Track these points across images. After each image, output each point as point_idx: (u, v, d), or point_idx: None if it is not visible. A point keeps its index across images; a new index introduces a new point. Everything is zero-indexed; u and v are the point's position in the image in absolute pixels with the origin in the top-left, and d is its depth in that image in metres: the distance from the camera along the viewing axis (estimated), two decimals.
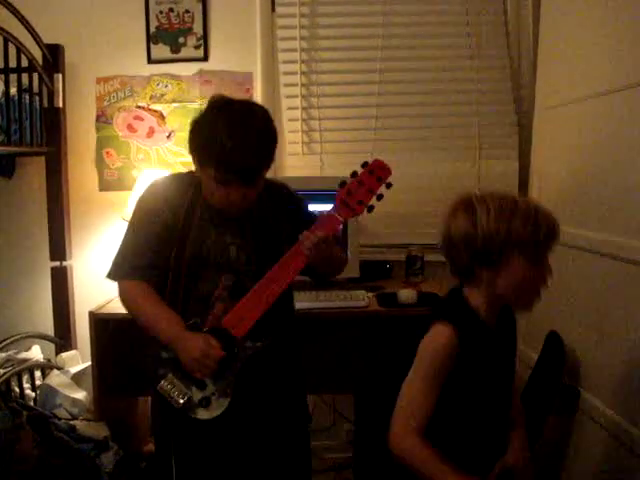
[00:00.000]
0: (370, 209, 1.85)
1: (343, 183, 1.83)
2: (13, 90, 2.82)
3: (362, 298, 2.72)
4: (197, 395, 1.87)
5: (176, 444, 1.98)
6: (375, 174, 1.82)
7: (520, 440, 1.82)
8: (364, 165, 1.83)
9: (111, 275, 1.98)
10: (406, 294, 2.70)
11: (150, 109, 3.31)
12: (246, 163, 1.80)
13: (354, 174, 1.83)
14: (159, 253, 1.92)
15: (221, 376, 1.86)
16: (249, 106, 1.90)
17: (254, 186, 1.88)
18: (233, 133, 1.78)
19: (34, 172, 3.31)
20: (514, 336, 1.83)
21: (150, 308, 1.91)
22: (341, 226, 1.87)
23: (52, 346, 3.21)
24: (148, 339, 1.94)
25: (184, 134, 3.14)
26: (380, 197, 1.84)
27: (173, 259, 1.91)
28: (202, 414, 1.87)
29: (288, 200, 2.10)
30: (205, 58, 3.30)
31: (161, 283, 1.94)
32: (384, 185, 1.83)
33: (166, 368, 1.87)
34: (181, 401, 1.85)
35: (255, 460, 2.04)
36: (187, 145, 1.92)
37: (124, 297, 1.97)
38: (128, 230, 2.00)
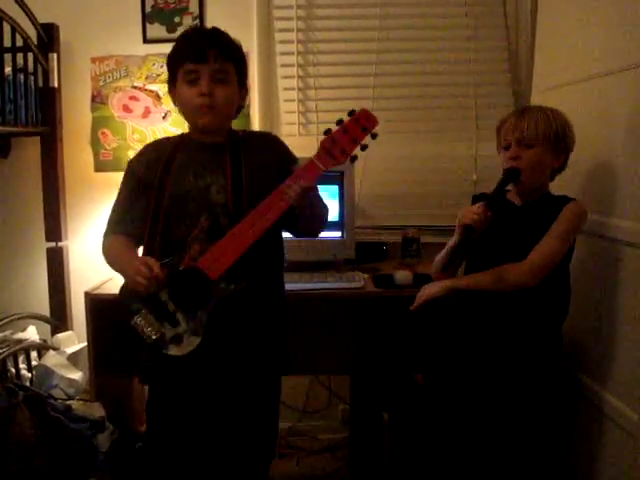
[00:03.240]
0: (353, 159, 1.82)
1: (328, 130, 1.82)
2: (8, 70, 2.80)
3: (358, 279, 2.72)
4: (170, 332, 1.90)
5: (151, 378, 2.11)
6: (360, 123, 1.80)
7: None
8: (350, 113, 1.82)
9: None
10: (402, 275, 2.70)
11: (146, 89, 3.29)
12: (205, 43, 1.94)
13: (339, 122, 1.82)
14: (136, 205, 2.02)
15: (194, 315, 1.89)
16: None
17: (221, 79, 1.95)
18: (189, 31, 2.06)
19: (29, 152, 3.30)
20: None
21: (116, 250, 2.02)
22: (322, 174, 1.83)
23: (48, 327, 3.22)
24: None
25: (180, 114, 3.14)
26: (364, 147, 1.81)
27: (153, 203, 1.97)
28: (173, 350, 1.90)
29: (279, 150, 2.13)
30: None
31: (143, 232, 2.01)
32: (369, 135, 1.81)
33: (140, 303, 1.91)
34: (153, 336, 1.90)
35: (222, 402, 2.09)
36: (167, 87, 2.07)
37: (104, 251, 2.07)
38: (118, 192, 2.11)
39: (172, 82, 2.02)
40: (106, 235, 2.08)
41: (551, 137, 2.12)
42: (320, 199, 2.03)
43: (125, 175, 2.09)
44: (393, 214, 3.30)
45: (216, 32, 2.00)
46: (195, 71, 1.92)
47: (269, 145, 2.12)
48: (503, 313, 2.15)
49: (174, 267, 1.88)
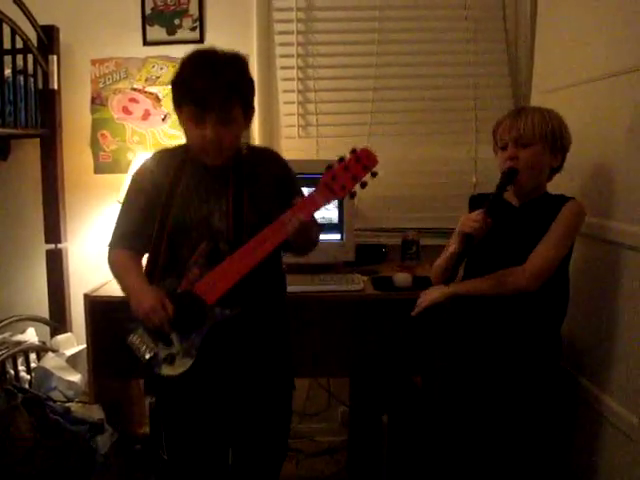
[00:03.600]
0: (352, 195, 1.85)
1: (329, 167, 1.82)
2: (7, 72, 2.80)
3: (357, 282, 2.72)
4: (163, 352, 1.92)
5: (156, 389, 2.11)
6: (361, 162, 1.81)
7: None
8: (353, 151, 1.82)
9: (108, 245, 2.08)
10: (401, 278, 2.70)
11: (145, 91, 3.30)
12: (210, 89, 1.83)
13: (341, 159, 1.82)
14: (143, 223, 2.00)
15: (188, 337, 1.91)
16: (216, 50, 1.95)
17: (229, 123, 1.88)
18: (196, 67, 1.88)
19: (29, 154, 3.30)
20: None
21: (124, 270, 2.01)
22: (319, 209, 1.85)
23: (47, 329, 3.21)
24: None
25: None
26: (364, 185, 1.83)
27: (157, 227, 1.96)
28: (166, 370, 1.92)
29: (280, 168, 2.11)
30: (201, 40, 3.28)
31: (150, 251, 2.01)
32: (369, 174, 1.82)
33: (138, 322, 1.93)
34: (147, 356, 1.92)
35: (220, 424, 2.11)
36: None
37: (110, 264, 2.05)
38: (123, 200, 2.11)
39: (175, 110, 1.95)
40: (112, 247, 2.06)
41: (548, 136, 2.12)
42: (315, 224, 1.99)
43: (133, 189, 2.06)
44: (393, 217, 3.30)
45: (227, 68, 1.88)
46: (199, 114, 1.85)
47: (271, 166, 2.09)
48: (502, 316, 2.15)
49: (172, 290, 1.91)
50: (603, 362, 2.26)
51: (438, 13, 3.28)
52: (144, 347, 1.93)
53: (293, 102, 3.30)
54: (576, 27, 2.60)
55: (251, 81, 1.97)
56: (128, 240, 2.02)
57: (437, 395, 2.31)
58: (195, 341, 1.91)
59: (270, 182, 2.04)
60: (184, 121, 1.91)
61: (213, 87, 1.83)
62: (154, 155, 2.10)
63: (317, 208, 1.82)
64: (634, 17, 2.12)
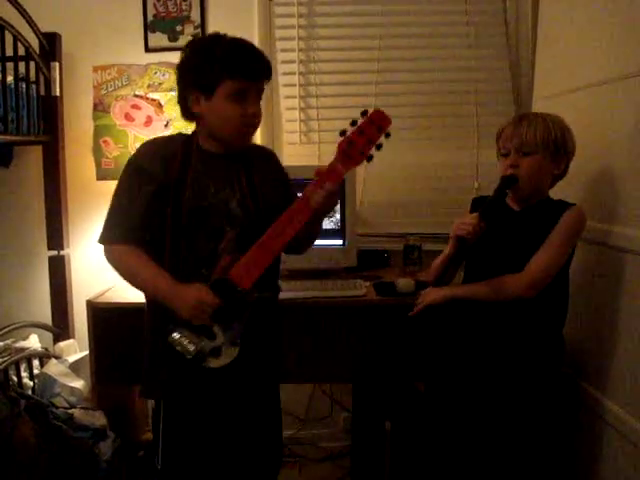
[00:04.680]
0: (369, 159, 1.84)
1: (343, 132, 1.84)
2: (10, 79, 2.81)
3: (359, 287, 2.72)
4: (208, 345, 1.88)
5: (176, 396, 2.01)
6: (375, 124, 1.82)
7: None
8: (364, 114, 1.83)
9: (102, 239, 1.96)
10: (404, 283, 2.70)
11: (148, 98, 3.30)
12: (259, 59, 1.91)
13: (354, 123, 1.83)
14: (152, 213, 1.91)
15: (230, 326, 1.89)
16: None
17: (261, 98, 1.95)
18: (236, 42, 1.89)
19: (31, 161, 3.31)
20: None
21: (144, 270, 1.91)
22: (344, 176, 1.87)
23: (50, 335, 3.22)
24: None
25: (181, 123, 3.14)
26: (379, 147, 1.83)
27: (170, 217, 1.90)
28: (213, 363, 1.89)
29: (277, 163, 2.17)
30: None
31: (157, 242, 1.92)
32: (384, 135, 1.83)
33: (175, 320, 1.88)
34: (193, 351, 1.87)
35: (242, 411, 2.10)
36: (181, 88, 1.94)
37: (117, 262, 1.95)
38: (117, 192, 1.97)
39: (206, 90, 1.88)
40: (114, 241, 1.93)
41: (550, 144, 2.12)
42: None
43: (136, 174, 1.94)
44: (395, 222, 3.30)
45: (254, 46, 1.95)
46: (244, 89, 1.87)
47: (271, 160, 2.15)
48: (503, 320, 2.15)
49: (206, 280, 1.88)
50: (606, 367, 2.25)
51: (439, 18, 3.29)
52: (187, 343, 1.88)
53: (295, 108, 3.31)
54: (577, 32, 2.60)
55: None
56: (136, 233, 1.91)
57: (439, 400, 2.31)
58: (238, 329, 1.89)
59: (272, 170, 2.11)
60: (219, 101, 1.87)
61: (259, 59, 1.90)
62: (154, 141, 2.04)
63: (340, 176, 1.83)
64: (635, 22, 2.13)
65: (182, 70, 1.93)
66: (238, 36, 1.93)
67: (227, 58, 1.85)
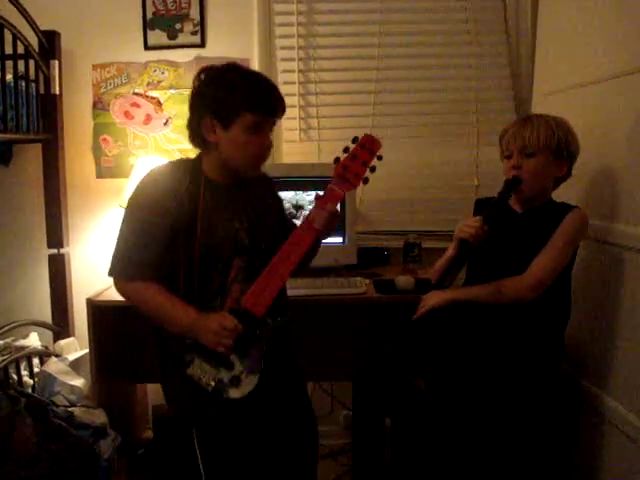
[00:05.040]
0: (365, 181, 1.92)
1: (337, 159, 1.92)
2: (9, 77, 2.80)
3: (359, 285, 2.72)
4: (226, 375, 1.89)
5: (204, 428, 1.99)
6: (367, 148, 1.91)
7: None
8: (354, 140, 1.91)
9: (117, 274, 1.93)
10: (404, 281, 2.69)
11: (147, 96, 3.30)
12: (277, 95, 1.92)
13: (346, 149, 1.91)
14: (168, 248, 1.89)
15: (246, 354, 1.89)
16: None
17: (271, 131, 1.97)
18: (254, 77, 1.92)
19: (31, 159, 3.31)
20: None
21: (167, 304, 1.89)
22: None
23: (50, 333, 3.21)
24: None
25: (181, 121, 3.15)
26: (373, 169, 1.92)
27: (182, 252, 1.89)
28: (234, 393, 1.89)
29: (273, 188, 2.21)
30: (202, 44, 3.29)
31: (170, 277, 1.91)
32: (376, 157, 1.92)
33: (192, 353, 1.88)
34: (213, 383, 1.88)
35: (280, 434, 2.11)
36: (198, 114, 1.92)
37: (137, 298, 1.94)
38: (130, 224, 1.93)
39: (223, 121, 1.88)
40: (131, 277, 1.91)
41: (553, 146, 2.11)
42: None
43: (150, 205, 1.89)
44: (394, 219, 3.30)
45: (271, 81, 1.95)
46: (261, 123, 1.89)
47: (269, 186, 2.18)
48: (504, 320, 2.15)
49: (219, 310, 1.89)
50: (606, 364, 2.25)
51: (439, 16, 3.29)
52: (206, 375, 1.88)
53: (295, 106, 3.30)
54: (577, 29, 2.60)
55: None
56: (154, 270, 1.89)
57: (440, 398, 2.31)
58: (256, 356, 1.90)
59: (270, 195, 2.16)
60: (237, 132, 1.88)
61: (278, 94, 1.92)
62: (157, 172, 1.97)
63: (339, 198, 1.91)
64: (635, 19, 2.12)
65: (198, 98, 1.92)
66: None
67: (250, 92, 1.86)
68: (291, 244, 1.88)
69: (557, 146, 2.12)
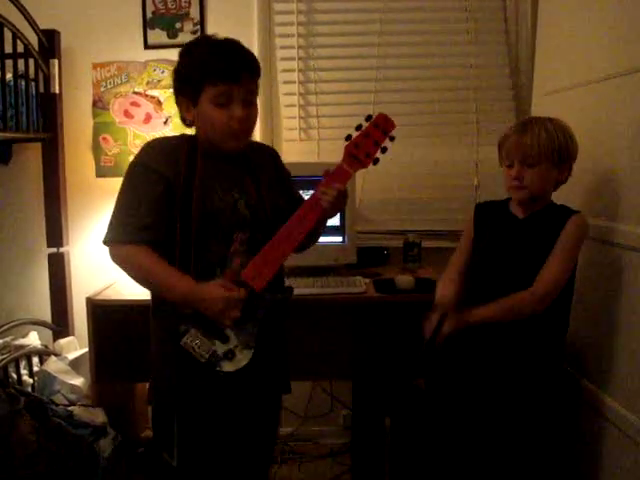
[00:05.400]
0: (376, 161, 1.90)
1: (349, 136, 1.88)
2: (9, 76, 2.80)
3: (359, 284, 2.72)
4: (221, 348, 1.87)
5: (186, 404, 1.96)
6: (380, 127, 1.88)
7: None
8: (368, 118, 1.88)
9: (109, 239, 1.87)
10: (403, 280, 2.70)
11: (147, 95, 3.30)
12: (238, 62, 1.84)
13: (359, 127, 1.88)
14: (163, 213, 1.86)
15: (243, 328, 1.87)
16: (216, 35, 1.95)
17: (251, 100, 1.89)
18: (215, 44, 1.86)
19: (31, 158, 3.31)
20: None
21: (160, 270, 1.85)
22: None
23: (49, 332, 3.22)
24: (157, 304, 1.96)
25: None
26: (384, 150, 1.89)
27: (180, 221, 1.86)
28: (227, 366, 1.87)
29: (279, 161, 2.18)
30: None
31: (167, 247, 1.87)
32: (388, 138, 1.89)
33: (188, 324, 1.86)
34: (207, 355, 1.86)
35: (253, 412, 2.08)
36: (174, 95, 1.92)
37: (126, 263, 1.88)
38: (124, 190, 1.90)
39: (192, 98, 1.87)
40: (124, 241, 1.85)
41: (554, 154, 2.10)
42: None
43: (145, 172, 1.87)
44: (394, 219, 3.30)
45: (242, 47, 1.90)
46: (227, 93, 1.82)
47: (273, 159, 2.15)
48: (505, 323, 2.14)
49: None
50: (607, 364, 2.25)
51: (439, 15, 3.29)
52: (200, 347, 1.86)
53: (294, 105, 3.31)
54: (577, 28, 2.60)
55: (259, 65, 1.96)
56: (147, 233, 1.84)
57: (440, 398, 2.31)
58: (251, 331, 1.88)
59: (275, 169, 2.11)
60: (204, 107, 1.85)
61: (240, 60, 1.85)
62: (159, 140, 2.00)
63: (348, 177, 1.88)
64: (636, 18, 2.12)
65: (173, 78, 1.93)
66: (232, 34, 1.91)
67: (204, 63, 1.83)
68: (296, 220, 1.86)
69: (558, 153, 2.11)
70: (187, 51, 1.89)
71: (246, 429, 2.07)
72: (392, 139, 1.89)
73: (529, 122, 2.20)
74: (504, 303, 2.11)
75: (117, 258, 1.89)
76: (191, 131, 2.01)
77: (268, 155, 2.14)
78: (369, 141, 1.87)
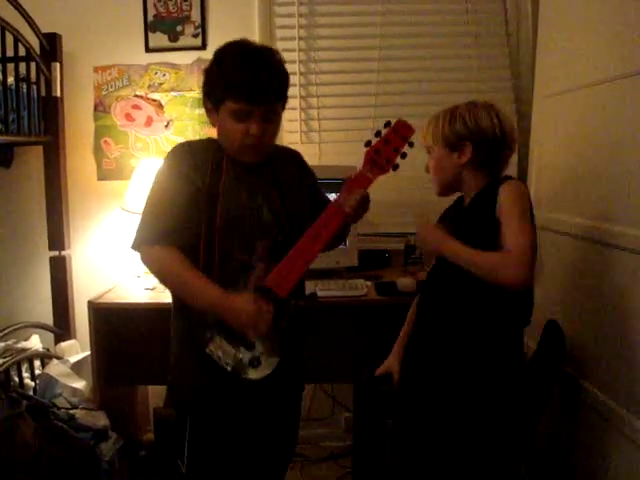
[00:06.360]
0: (395, 167, 1.92)
1: (369, 142, 1.90)
2: (11, 79, 2.81)
3: (361, 287, 2.72)
4: (246, 355, 1.86)
5: (201, 413, 1.96)
6: (400, 133, 1.91)
7: None
8: (387, 125, 1.91)
9: (140, 241, 1.87)
10: (405, 283, 2.70)
11: (148, 98, 3.31)
12: (263, 84, 1.81)
13: (378, 133, 1.90)
14: (191, 217, 1.85)
15: (268, 335, 1.86)
16: (255, 43, 1.91)
17: (272, 119, 1.88)
18: (244, 60, 1.81)
19: (32, 162, 3.31)
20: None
21: (189, 275, 1.84)
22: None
23: (51, 336, 3.22)
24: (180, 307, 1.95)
25: (182, 123, 3.15)
26: (404, 155, 1.92)
27: (205, 225, 1.86)
28: (252, 374, 1.87)
29: (306, 167, 2.17)
30: (203, 46, 3.30)
31: (192, 250, 1.87)
32: (407, 144, 1.91)
33: (212, 330, 1.85)
34: (232, 363, 1.85)
35: (270, 418, 2.08)
36: (202, 97, 1.92)
37: (156, 264, 1.89)
38: (154, 193, 1.91)
39: (214, 105, 1.88)
40: (153, 242, 1.85)
41: (438, 138, 2.07)
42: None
43: (175, 175, 1.88)
44: (396, 221, 3.30)
45: (273, 65, 1.85)
46: (246, 111, 1.81)
47: (297, 162, 2.15)
48: (462, 309, 2.02)
49: (243, 288, 1.85)
50: (607, 366, 2.25)
51: (440, 18, 3.30)
52: (226, 355, 1.85)
53: (295, 108, 3.31)
54: (578, 30, 2.60)
55: (289, 78, 1.94)
56: (176, 235, 1.84)
57: (407, 400, 2.28)
58: (276, 338, 1.87)
59: (295, 170, 2.10)
60: (224, 116, 1.85)
61: (265, 82, 1.82)
62: (185, 145, 1.99)
63: (370, 183, 1.91)
64: (637, 19, 2.12)
65: (204, 76, 1.91)
66: (233, 37, 1.89)
67: (229, 77, 1.81)
68: (319, 226, 1.85)
69: (442, 137, 2.06)
70: (219, 57, 1.87)
71: (262, 436, 2.07)
72: (411, 145, 1.91)
73: (436, 114, 2.15)
74: (485, 256, 1.91)
75: (147, 259, 1.90)
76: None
77: (290, 157, 2.13)
78: (389, 147, 1.90)
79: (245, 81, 1.79)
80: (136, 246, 1.89)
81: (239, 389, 1.90)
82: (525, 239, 1.89)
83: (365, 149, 1.90)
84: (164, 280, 1.93)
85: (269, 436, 2.10)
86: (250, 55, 1.84)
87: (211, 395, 1.93)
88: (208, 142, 2.00)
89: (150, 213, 1.89)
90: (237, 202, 1.89)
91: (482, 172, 2.08)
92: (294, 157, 2.15)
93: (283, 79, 1.89)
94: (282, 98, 1.91)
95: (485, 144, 2.04)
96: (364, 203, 1.90)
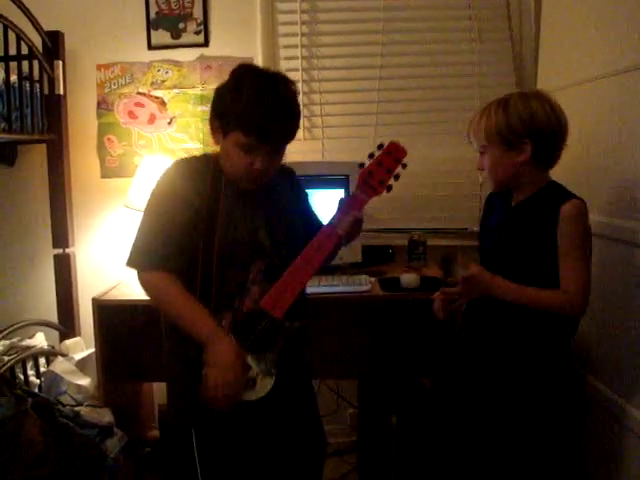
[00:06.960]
0: (389, 189, 1.92)
1: (362, 165, 1.90)
2: (13, 77, 2.81)
3: (364, 283, 2.72)
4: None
5: (205, 430, 1.97)
6: (392, 155, 1.91)
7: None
8: (380, 147, 1.91)
9: (134, 263, 1.90)
10: (408, 279, 2.70)
11: (151, 95, 3.31)
12: (278, 126, 1.81)
13: (371, 155, 1.90)
14: (188, 240, 1.86)
15: (263, 357, 1.88)
16: (275, 74, 1.90)
17: (279, 154, 1.90)
18: (263, 97, 1.79)
19: (36, 160, 3.31)
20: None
21: (183, 303, 1.86)
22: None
23: (56, 333, 3.22)
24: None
25: (185, 120, 3.15)
26: (397, 177, 1.92)
27: (202, 248, 1.87)
28: (249, 396, 1.87)
29: (299, 185, 2.17)
30: (205, 44, 3.29)
31: (188, 271, 1.88)
32: (400, 166, 1.92)
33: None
34: None
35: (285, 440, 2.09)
36: (210, 113, 1.91)
37: (152, 290, 1.90)
38: (151, 214, 1.91)
39: (222, 128, 1.86)
40: (149, 267, 1.88)
41: (494, 137, 2.04)
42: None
43: (171, 199, 1.88)
44: (399, 217, 3.30)
45: (289, 107, 1.84)
46: (254, 146, 1.81)
47: (291, 180, 2.14)
48: (512, 318, 2.12)
49: (238, 311, 1.88)
50: (616, 363, 2.24)
51: (443, 13, 3.29)
52: None
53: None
54: (581, 25, 2.59)
55: (300, 113, 1.93)
56: (171, 261, 1.86)
57: (445, 397, 2.30)
58: (272, 359, 1.89)
59: (289, 188, 2.11)
60: (230, 144, 1.83)
61: (280, 125, 1.82)
62: (183, 165, 1.96)
63: (363, 204, 1.90)
64: (637, 16, 2.12)
65: (214, 95, 1.89)
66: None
67: (244, 110, 1.78)
68: (313, 248, 1.87)
69: (498, 135, 2.03)
70: (237, 84, 1.83)
71: (279, 442, 2.08)
72: (404, 166, 1.92)
73: (483, 108, 2.13)
74: (540, 292, 1.99)
75: (143, 285, 1.91)
76: (196, 153, 2.03)
77: (285, 176, 2.12)
78: (382, 169, 1.90)
79: (261, 120, 1.79)
80: (132, 266, 1.90)
81: (237, 411, 1.89)
82: (585, 275, 1.98)
83: (360, 170, 1.91)
84: (157, 304, 1.94)
85: (287, 440, 2.10)
86: (269, 92, 1.80)
87: (211, 419, 1.92)
88: (206, 160, 1.99)
89: (147, 234, 1.89)
90: (235, 225, 1.90)
91: (539, 168, 2.08)
92: (288, 175, 2.15)
93: (297, 121, 1.89)
94: (293, 138, 1.90)
95: (543, 140, 2.02)
96: (357, 225, 1.91)
